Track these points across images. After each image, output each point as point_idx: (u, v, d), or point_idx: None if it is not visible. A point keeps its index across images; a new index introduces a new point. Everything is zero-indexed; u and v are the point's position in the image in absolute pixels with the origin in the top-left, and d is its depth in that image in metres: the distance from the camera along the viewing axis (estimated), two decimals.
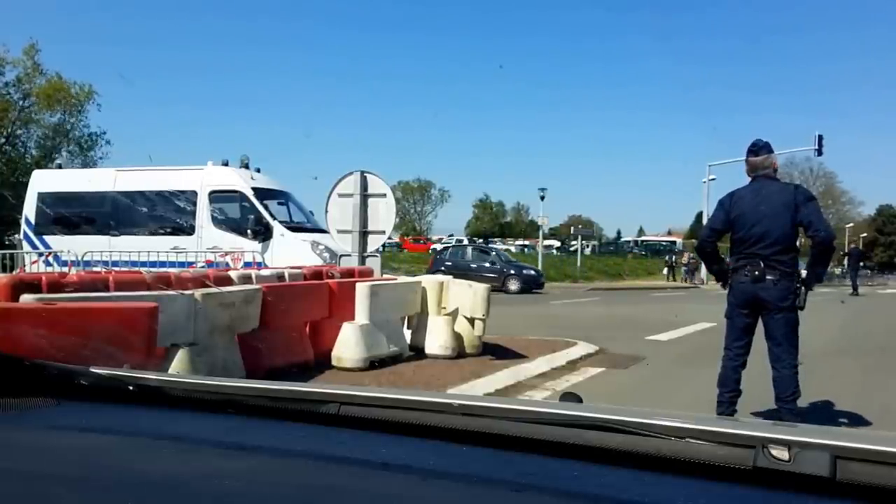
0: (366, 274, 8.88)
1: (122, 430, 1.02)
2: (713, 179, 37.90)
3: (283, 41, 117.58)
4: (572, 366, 7.39)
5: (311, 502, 0.78)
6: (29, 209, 14.82)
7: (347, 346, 6.57)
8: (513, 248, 54.10)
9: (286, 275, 7.98)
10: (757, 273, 4.36)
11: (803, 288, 4.38)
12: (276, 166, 54.07)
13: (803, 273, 4.48)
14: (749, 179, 4.59)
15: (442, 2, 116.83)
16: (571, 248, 47.59)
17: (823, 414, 5.16)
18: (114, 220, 14.06)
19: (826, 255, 4.54)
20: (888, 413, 5.17)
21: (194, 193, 13.64)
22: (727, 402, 4.50)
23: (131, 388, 1.18)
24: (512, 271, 23.87)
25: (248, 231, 13.06)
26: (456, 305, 7.62)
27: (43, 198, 14.69)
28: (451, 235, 62.26)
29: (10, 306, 4.08)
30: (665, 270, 39.27)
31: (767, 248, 4.35)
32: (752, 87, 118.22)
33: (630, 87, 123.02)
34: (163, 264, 10.74)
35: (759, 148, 4.55)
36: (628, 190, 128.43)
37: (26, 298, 4.32)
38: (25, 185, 16.22)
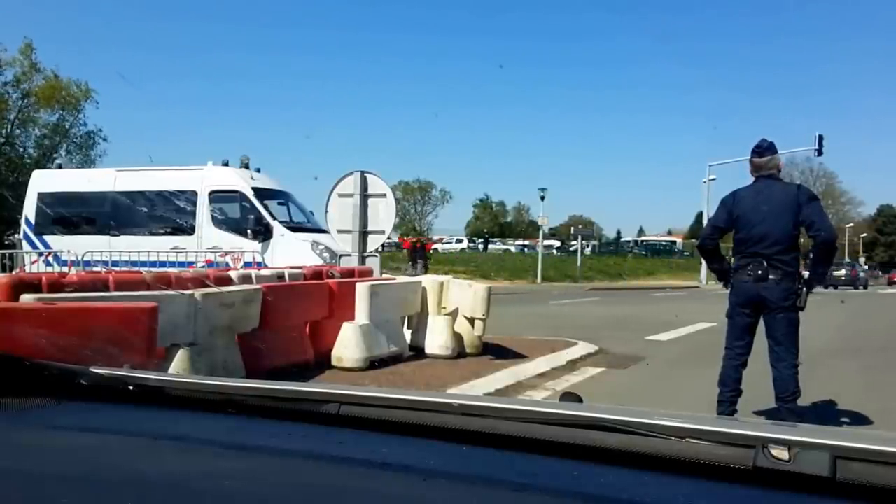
0: (366, 274, 8.88)
1: (122, 430, 1.02)
2: (713, 179, 37.94)
3: (283, 42, 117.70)
4: (572, 366, 7.39)
5: (311, 502, 0.78)
6: (29, 209, 14.82)
7: (347, 346, 6.57)
8: (513, 249, 54.15)
9: (286, 275, 7.98)
10: (760, 272, 4.36)
11: (805, 288, 4.38)
12: (276, 166, 54.08)
13: (805, 274, 4.49)
14: (752, 179, 4.59)
15: (442, 2, 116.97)
16: (571, 249, 47.60)
17: (823, 414, 5.16)
18: (114, 220, 14.06)
19: (828, 254, 4.53)
20: (888, 413, 5.16)
21: (194, 193, 13.64)
22: (727, 402, 4.50)
23: (131, 388, 1.18)
24: None
25: (248, 231, 13.06)
26: (456, 305, 7.62)
27: (43, 198, 14.69)
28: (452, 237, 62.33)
29: (10, 306, 4.08)
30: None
31: (770, 247, 4.35)
32: (753, 87, 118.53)
33: (630, 88, 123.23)
34: (163, 264, 10.74)
35: (763, 149, 4.55)
36: (628, 190, 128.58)
37: (26, 298, 4.32)
38: (25, 184, 16.22)
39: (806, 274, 4.53)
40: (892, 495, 0.72)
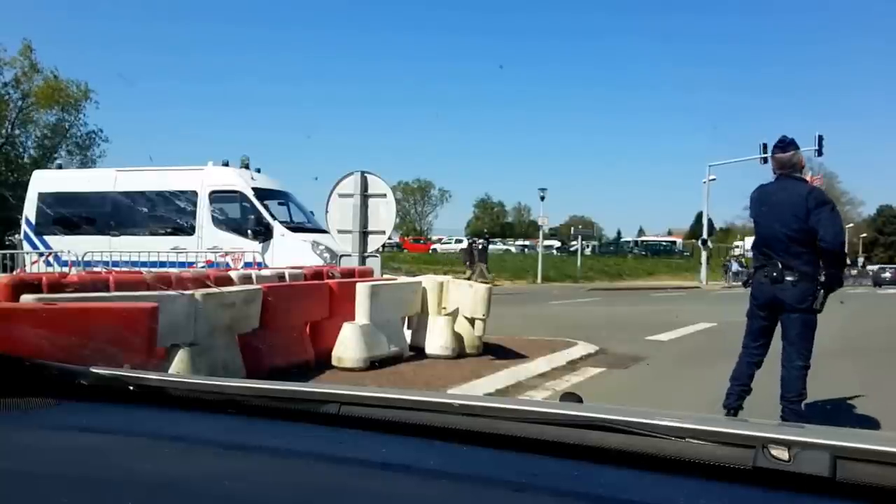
0: (366, 274, 8.88)
1: (122, 430, 1.02)
2: (713, 180, 37.99)
3: (283, 43, 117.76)
4: (572, 366, 7.39)
5: (311, 502, 0.78)
6: (29, 209, 14.82)
7: (348, 346, 6.57)
8: (513, 249, 54.14)
9: (286, 275, 7.97)
10: (775, 274, 4.35)
11: (822, 290, 4.34)
12: (276, 167, 53.95)
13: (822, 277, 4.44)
14: (773, 177, 4.58)
15: (443, 2, 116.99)
16: (572, 249, 47.56)
17: (824, 414, 5.16)
18: (114, 220, 14.06)
19: (834, 261, 4.45)
20: (889, 413, 5.16)
21: (194, 194, 13.64)
22: (735, 395, 4.54)
23: (131, 388, 1.18)
24: None
25: (249, 231, 13.06)
26: (456, 305, 7.62)
27: (43, 198, 14.69)
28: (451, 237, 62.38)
29: (11, 306, 4.08)
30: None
31: (778, 249, 4.35)
32: (753, 87, 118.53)
33: (631, 88, 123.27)
34: (163, 264, 10.73)
35: (786, 144, 4.52)
36: (628, 190, 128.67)
37: (27, 298, 4.32)
38: (25, 185, 16.23)
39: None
40: (893, 495, 0.72)
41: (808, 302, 4.32)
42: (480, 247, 25.40)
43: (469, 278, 18.83)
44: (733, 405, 4.49)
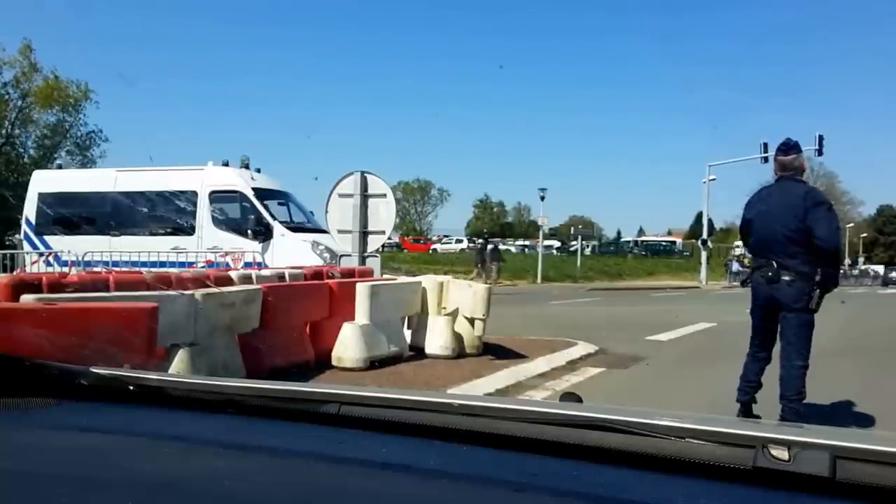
0: (366, 274, 8.88)
1: (122, 430, 1.02)
2: (713, 180, 37.98)
3: (283, 42, 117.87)
4: (572, 366, 7.39)
5: (311, 502, 0.78)
6: (29, 209, 14.82)
7: (347, 346, 6.57)
8: (513, 249, 54.17)
9: (286, 275, 7.97)
10: (771, 274, 4.40)
11: (818, 290, 4.37)
12: (276, 167, 53.89)
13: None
14: (775, 178, 4.68)
15: (442, 2, 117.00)
16: (571, 249, 47.55)
17: (825, 414, 5.16)
18: (114, 220, 14.07)
19: (829, 261, 4.48)
20: (888, 413, 5.17)
21: (194, 194, 13.65)
22: (743, 391, 4.64)
23: (131, 388, 1.18)
24: None
25: (249, 231, 13.07)
26: (456, 305, 7.62)
27: (43, 198, 14.70)
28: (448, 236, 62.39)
29: (11, 306, 4.08)
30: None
31: (777, 250, 4.39)
32: (753, 88, 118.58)
33: (631, 88, 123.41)
34: (163, 264, 10.73)
35: (789, 147, 4.58)
36: (628, 190, 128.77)
37: (27, 298, 4.32)
38: (25, 185, 16.24)
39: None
40: (892, 495, 0.72)
41: (804, 301, 4.35)
42: (493, 247, 25.03)
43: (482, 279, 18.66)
44: (743, 399, 4.60)
